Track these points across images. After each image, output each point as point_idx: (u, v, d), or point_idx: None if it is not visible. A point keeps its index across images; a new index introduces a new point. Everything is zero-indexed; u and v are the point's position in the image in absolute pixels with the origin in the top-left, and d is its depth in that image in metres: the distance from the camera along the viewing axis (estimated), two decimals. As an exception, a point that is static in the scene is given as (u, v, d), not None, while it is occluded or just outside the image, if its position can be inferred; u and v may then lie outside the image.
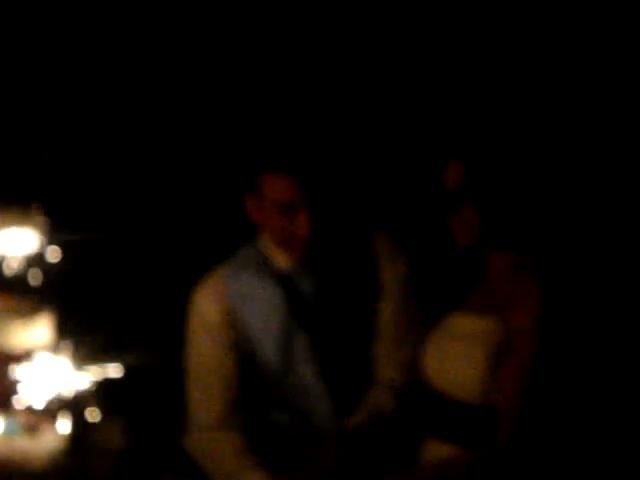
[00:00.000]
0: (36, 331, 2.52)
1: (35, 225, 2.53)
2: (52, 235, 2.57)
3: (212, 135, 3.67)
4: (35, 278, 2.55)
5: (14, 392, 2.54)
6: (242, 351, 2.75)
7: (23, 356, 2.53)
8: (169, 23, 3.80)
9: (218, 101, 3.77)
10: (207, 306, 2.74)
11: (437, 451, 2.52)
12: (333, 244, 2.72)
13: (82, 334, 2.56)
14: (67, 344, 2.55)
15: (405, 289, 2.72)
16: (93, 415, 2.68)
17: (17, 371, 2.53)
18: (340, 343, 2.74)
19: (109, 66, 3.74)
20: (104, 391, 2.66)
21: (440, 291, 2.78)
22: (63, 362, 2.55)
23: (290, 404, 2.77)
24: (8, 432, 2.49)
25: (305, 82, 3.66)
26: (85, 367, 2.56)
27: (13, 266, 2.53)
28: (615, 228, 3.50)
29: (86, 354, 2.57)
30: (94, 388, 2.60)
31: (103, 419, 2.71)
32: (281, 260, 2.69)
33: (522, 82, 3.57)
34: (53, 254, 2.57)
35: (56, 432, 2.52)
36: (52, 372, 2.53)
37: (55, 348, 2.56)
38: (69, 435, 2.53)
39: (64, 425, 2.53)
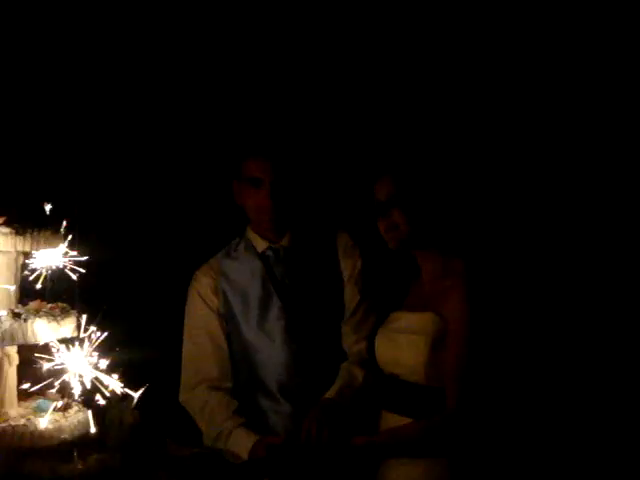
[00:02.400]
0: (65, 328, 2.80)
1: (63, 244, 2.84)
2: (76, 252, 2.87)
3: (204, 137, 3.98)
4: (63, 287, 2.85)
5: (48, 377, 2.81)
6: (227, 326, 3.14)
7: (54, 348, 2.80)
8: (163, 27, 4.00)
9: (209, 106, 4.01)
10: (203, 281, 3.19)
11: (391, 421, 2.90)
12: (303, 234, 3.18)
13: (101, 330, 2.87)
14: (89, 338, 2.85)
15: (361, 278, 3.16)
16: (111, 395, 2.97)
17: (50, 360, 2.79)
18: (308, 316, 3.12)
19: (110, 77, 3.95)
20: (119, 376, 2.93)
21: (384, 290, 3.13)
22: (86, 353, 2.83)
23: (266, 381, 3.11)
24: (43, 409, 2.82)
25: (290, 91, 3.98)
26: (103, 357, 2.84)
27: (47, 278, 2.82)
28: (529, 231, 3.90)
29: (104, 346, 2.85)
30: (111, 374, 2.87)
31: (119, 399, 3.01)
32: (259, 243, 3.17)
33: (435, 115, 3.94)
34: (77, 267, 2.86)
35: (81, 409, 2.87)
36: (77, 360, 2.82)
37: (79, 342, 2.84)
38: (92, 411, 2.87)
39: (88, 403, 2.87)
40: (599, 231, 3.97)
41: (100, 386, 2.88)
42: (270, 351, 3.13)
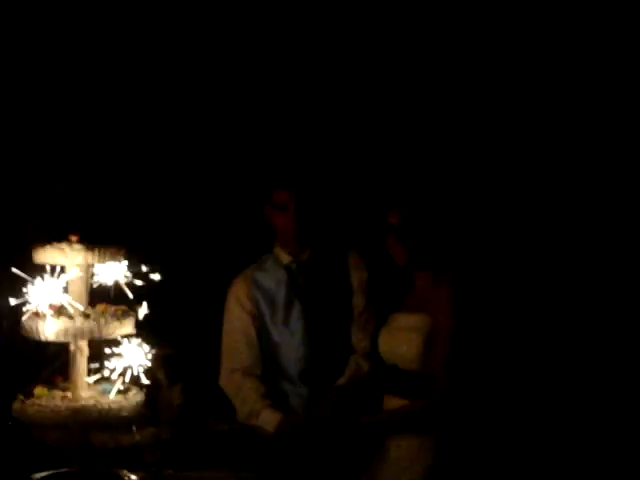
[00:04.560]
0: (126, 326, 3.10)
1: (123, 258, 3.15)
2: (132, 265, 3.20)
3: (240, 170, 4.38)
4: (123, 294, 3.16)
5: (111, 364, 3.13)
6: (257, 324, 3.61)
7: (117, 342, 3.11)
8: (193, 47, 4.27)
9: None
10: (239, 288, 3.68)
11: (392, 403, 3.33)
12: (320, 250, 3.68)
13: (155, 327, 3.22)
14: (145, 334, 3.18)
15: (367, 287, 3.65)
16: (162, 380, 3.43)
17: (114, 351, 3.12)
18: (323, 317, 3.61)
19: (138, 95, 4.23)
20: (169, 364, 3.38)
21: (385, 297, 3.56)
22: (143, 345, 3.14)
23: (288, 370, 3.59)
24: (108, 392, 3.09)
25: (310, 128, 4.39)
26: (157, 348, 3.17)
27: (110, 287, 3.16)
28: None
29: (157, 340, 3.19)
30: (163, 362, 3.29)
31: (168, 383, 3.46)
32: (284, 257, 3.67)
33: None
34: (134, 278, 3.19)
35: (138, 392, 3.16)
36: (136, 352, 3.12)
37: (138, 336, 3.15)
38: (146, 394, 3.19)
39: (143, 387, 3.18)
40: (587, 234, 4.30)
41: (154, 372, 3.22)
42: (291, 345, 3.60)
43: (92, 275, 3.19)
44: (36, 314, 3.06)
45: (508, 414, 3.89)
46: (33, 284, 3.04)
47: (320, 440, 3.32)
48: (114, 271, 3.20)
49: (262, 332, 3.65)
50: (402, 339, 3.29)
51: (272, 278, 3.67)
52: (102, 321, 3.07)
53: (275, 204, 3.62)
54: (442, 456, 3.22)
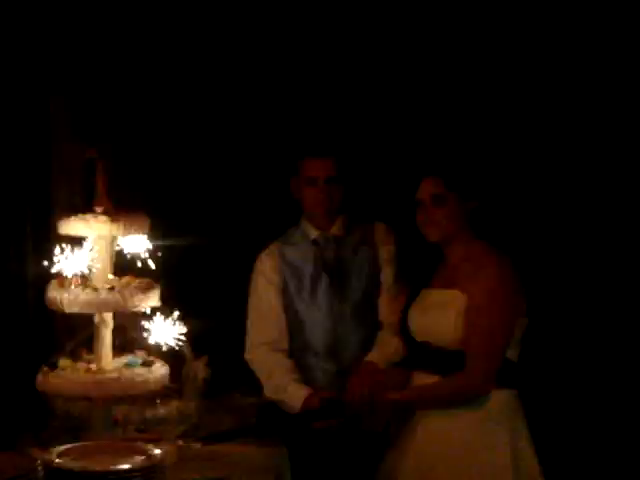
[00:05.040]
0: (151, 299, 3.10)
1: (148, 230, 3.16)
2: (158, 237, 3.21)
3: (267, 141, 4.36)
4: (150, 266, 3.17)
5: (136, 338, 3.19)
6: (284, 299, 3.60)
7: (143, 315, 3.14)
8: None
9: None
10: (265, 263, 3.66)
11: (422, 379, 3.26)
12: (348, 224, 3.64)
13: (180, 301, 3.22)
14: (170, 306, 3.19)
15: (395, 261, 3.61)
16: (187, 354, 3.40)
17: (139, 324, 3.15)
18: (350, 291, 3.58)
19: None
20: (195, 337, 3.32)
21: (416, 272, 3.45)
22: (168, 318, 3.17)
23: (314, 344, 3.57)
24: (132, 365, 3.12)
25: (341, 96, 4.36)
26: (182, 322, 3.18)
27: (137, 258, 3.17)
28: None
29: (182, 313, 3.19)
30: (188, 336, 3.22)
31: (193, 356, 3.45)
32: (312, 231, 3.64)
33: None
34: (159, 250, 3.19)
35: (163, 365, 3.17)
36: (161, 325, 3.16)
37: (162, 309, 3.17)
38: (171, 367, 3.20)
39: (168, 360, 3.21)
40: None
41: (179, 345, 3.22)
42: (318, 319, 3.58)
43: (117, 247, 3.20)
44: (60, 285, 3.06)
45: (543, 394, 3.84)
46: (58, 255, 3.04)
47: (347, 417, 3.29)
48: (139, 243, 3.19)
49: (289, 306, 3.63)
50: (435, 315, 3.24)
51: (299, 252, 3.65)
52: (127, 293, 3.06)
53: (303, 176, 3.58)
54: (472, 435, 3.17)
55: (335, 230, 3.65)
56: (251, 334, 3.65)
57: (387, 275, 3.63)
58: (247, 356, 3.64)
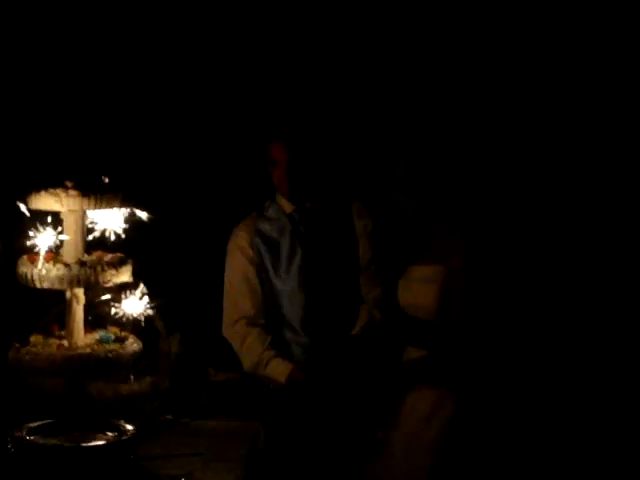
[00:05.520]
0: (123, 273, 3.06)
1: (120, 205, 3.08)
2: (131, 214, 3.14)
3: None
4: (122, 240, 3.12)
5: (109, 313, 3.16)
6: (259, 273, 3.59)
7: (114, 289, 3.12)
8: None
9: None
10: (241, 237, 3.65)
11: (413, 354, 3.33)
12: (323, 200, 3.64)
13: (153, 276, 3.18)
14: (142, 282, 3.16)
15: (372, 237, 3.61)
16: (160, 329, 3.42)
17: (110, 299, 3.13)
18: (325, 266, 3.59)
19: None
20: (167, 313, 3.35)
21: (401, 248, 3.51)
22: (140, 293, 3.15)
23: (290, 318, 3.57)
24: (104, 340, 3.08)
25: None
26: (155, 297, 3.17)
27: (109, 233, 3.10)
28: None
29: (155, 288, 3.18)
30: (161, 311, 3.24)
31: (166, 332, 3.46)
32: (287, 206, 3.64)
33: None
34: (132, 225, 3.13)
35: (136, 340, 3.12)
36: (133, 300, 3.14)
37: (135, 284, 3.15)
38: (144, 343, 3.14)
39: (141, 336, 3.15)
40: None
41: (152, 321, 3.24)
42: (293, 293, 3.58)
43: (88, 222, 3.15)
44: (31, 261, 3.03)
45: (527, 365, 3.85)
46: (29, 230, 3.02)
47: (337, 389, 3.32)
48: (111, 218, 3.15)
49: (265, 281, 3.62)
50: (418, 291, 3.29)
51: (275, 226, 3.65)
52: (98, 268, 3.02)
53: (269, 159, 3.60)
54: (462, 409, 3.22)
55: (309, 205, 3.64)
56: (228, 309, 3.64)
57: (365, 250, 3.63)
58: (224, 331, 3.63)
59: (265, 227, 3.66)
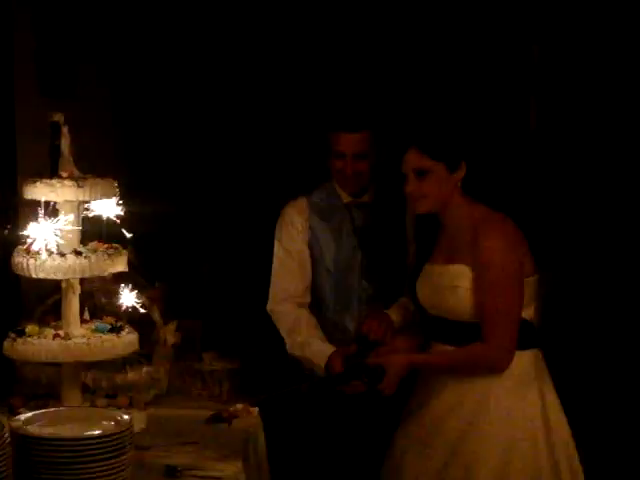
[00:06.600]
0: (118, 264, 3.06)
1: (116, 195, 3.07)
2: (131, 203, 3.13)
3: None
4: (118, 231, 3.09)
5: (105, 302, 3.22)
6: (312, 255, 3.59)
7: (110, 279, 3.14)
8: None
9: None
10: (295, 215, 3.64)
11: (440, 349, 3.22)
12: (382, 195, 3.61)
13: (149, 265, 3.26)
14: (138, 270, 3.21)
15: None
16: (156, 319, 3.42)
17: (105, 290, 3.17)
18: (377, 257, 3.58)
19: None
20: (164, 302, 3.35)
21: (417, 245, 3.40)
22: (137, 282, 3.16)
23: (342, 306, 3.59)
24: (100, 330, 3.07)
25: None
26: (151, 285, 3.23)
27: (105, 223, 3.07)
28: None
29: (151, 277, 3.25)
30: (157, 300, 3.26)
31: (163, 321, 3.44)
32: (345, 196, 3.62)
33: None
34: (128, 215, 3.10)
35: (131, 330, 3.11)
36: (129, 289, 3.13)
37: (131, 273, 3.15)
38: (140, 332, 3.14)
39: (137, 325, 3.14)
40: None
41: (147, 310, 3.22)
42: (345, 280, 3.60)
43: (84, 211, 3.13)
44: (26, 251, 3.02)
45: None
46: (25, 221, 3.00)
47: (368, 378, 3.21)
48: (107, 208, 3.13)
49: (317, 262, 3.63)
50: (446, 294, 3.17)
51: (331, 213, 3.64)
52: (93, 258, 3.01)
53: (334, 151, 3.54)
54: (488, 402, 3.13)
55: (367, 198, 3.64)
56: (276, 286, 3.63)
57: (412, 249, 3.56)
58: (270, 307, 3.61)
59: (321, 211, 3.64)
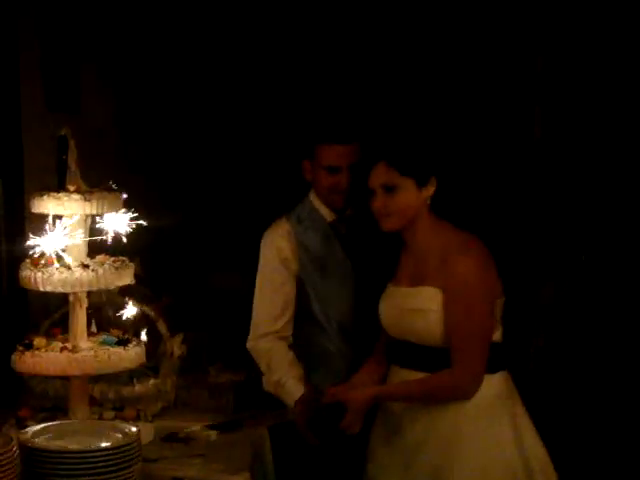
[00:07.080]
0: (124, 277, 3.07)
1: (122, 209, 3.07)
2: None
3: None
4: (125, 244, 3.07)
5: (112, 315, 3.20)
6: (299, 281, 3.38)
7: (118, 291, 3.17)
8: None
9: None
10: (281, 243, 3.40)
11: (407, 377, 3.04)
12: (361, 206, 3.26)
13: (155, 278, 3.28)
14: (145, 283, 3.21)
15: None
16: (163, 331, 3.42)
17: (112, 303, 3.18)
18: (370, 275, 3.35)
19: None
20: (170, 314, 3.35)
21: (379, 263, 3.30)
22: (142, 295, 3.21)
23: (330, 329, 3.42)
24: (107, 343, 3.07)
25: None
26: (157, 298, 3.23)
27: (111, 237, 3.05)
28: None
29: (158, 289, 3.26)
30: (163, 312, 3.25)
31: (169, 334, 3.45)
32: (327, 214, 3.42)
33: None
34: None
35: (138, 343, 3.11)
36: (135, 301, 3.17)
37: (138, 286, 3.17)
38: (146, 344, 3.15)
39: (143, 338, 3.16)
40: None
41: (154, 322, 3.26)
42: (339, 300, 3.44)
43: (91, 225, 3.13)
44: (34, 264, 3.03)
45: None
46: (33, 234, 2.99)
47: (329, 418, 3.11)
48: (113, 221, 3.11)
49: (310, 291, 3.46)
50: (413, 318, 3.04)
51: (316, 236, 3.44)
52: (100, 272, 3.02)
53: (321, 164, 3.35)
54: (463, 431, 3.00)
55: (350, 212, 3.44)
56: (257, 320, 3.45)
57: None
58: (249, 344, 3.45)
59: (306, 237, 3.44)
